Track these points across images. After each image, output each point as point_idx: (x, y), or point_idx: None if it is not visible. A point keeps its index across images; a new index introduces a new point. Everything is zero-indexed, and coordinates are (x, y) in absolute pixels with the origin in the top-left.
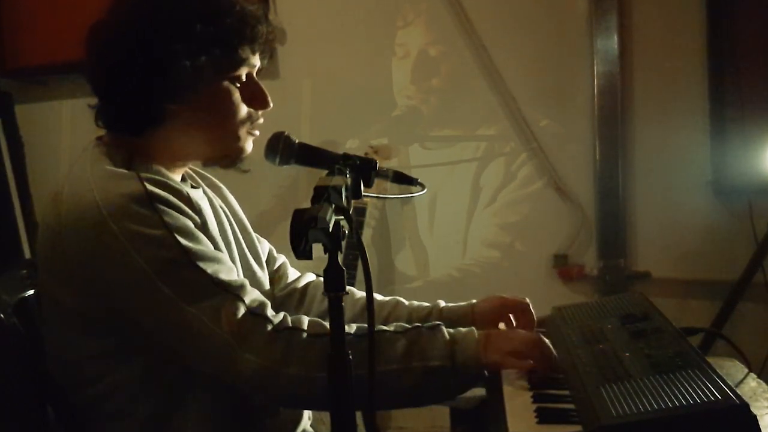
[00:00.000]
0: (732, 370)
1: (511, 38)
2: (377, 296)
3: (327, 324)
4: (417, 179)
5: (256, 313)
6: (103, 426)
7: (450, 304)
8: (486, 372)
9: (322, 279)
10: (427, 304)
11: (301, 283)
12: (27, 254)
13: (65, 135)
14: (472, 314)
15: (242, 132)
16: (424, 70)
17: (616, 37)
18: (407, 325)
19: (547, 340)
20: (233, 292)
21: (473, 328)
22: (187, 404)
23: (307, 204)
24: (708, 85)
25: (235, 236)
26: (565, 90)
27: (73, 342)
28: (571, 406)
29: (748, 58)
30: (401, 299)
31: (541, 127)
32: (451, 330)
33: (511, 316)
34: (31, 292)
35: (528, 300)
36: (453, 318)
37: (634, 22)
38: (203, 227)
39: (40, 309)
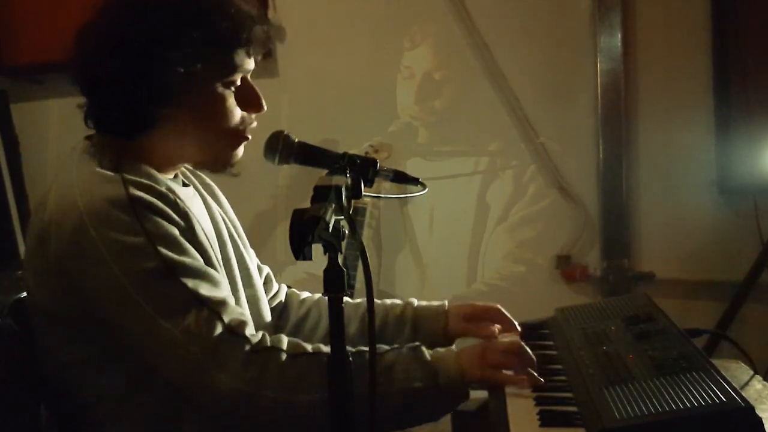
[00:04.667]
0: (737, 372)
1: (514, 36)
2: (350, 300)
3: (306, 344)
4: (418, 179)
5: (233, 332)
6: (96, 430)
7: (423, 303)
8: (469, 389)
9: (294, 289)
10: (399, 301)
11: (282, 293)
12: (23, 255)
13: (62, 134)
14: (446, 314)
15: (235, 136)
16: (428, 89)
17: (619, 35)
18: (386, 347)
19: (524, 346)
20: (212, 308)
21: (452, 347)
22: (182, 411)
23: (306, 204)
24: (713, 83)
25: (230, 235)
26: (567, 88)
27: (58, 347)
28: (574, 408)
29: (753, 56)
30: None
31: (543, 126)
32: (431, 351)
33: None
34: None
35: (498, 306)
36: (426, 316)
37: (638, 19)
38: (191, 233)
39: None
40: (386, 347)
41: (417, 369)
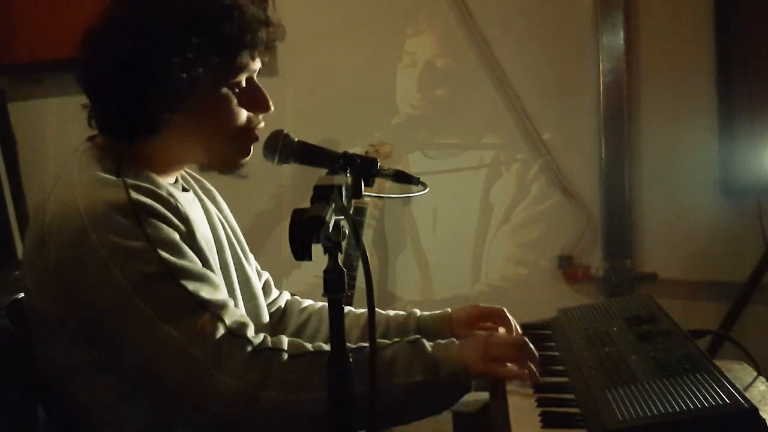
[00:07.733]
0: (740, 373)
1: (516, 35)
2: (354, 310)
3: (307, 344)
4: (419, 178)
5: (235, 334)
6: None
7: (426, 312)
8: (473, 381)
9: (297, 296)
10: (402, 312)
11: (282, 299)
12: (20, 255)
13: (60, 133)
14: (450, 320)
15: (243, 137)
16: (430, 79)
17: (622, 34)
18: (387, 341)
19: (527, 341)
20: (213, 311)
21: (453, 339)
22: (178, 416)
23: (306, 204)
24: (716, 83)
25: (228, 240)
26: (570, 87)
27: (55, 350)
28: (576, 410)
29: (756, 55)
30: (377, 309)
31: (545, 126)
32: (431, 343)
33: (490, 323)
34: None
35: (504, 308)
36: (431, 324)
37: (641, 18)
38: (191, 238)
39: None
40: (387, 342)
41: (418, 362)
